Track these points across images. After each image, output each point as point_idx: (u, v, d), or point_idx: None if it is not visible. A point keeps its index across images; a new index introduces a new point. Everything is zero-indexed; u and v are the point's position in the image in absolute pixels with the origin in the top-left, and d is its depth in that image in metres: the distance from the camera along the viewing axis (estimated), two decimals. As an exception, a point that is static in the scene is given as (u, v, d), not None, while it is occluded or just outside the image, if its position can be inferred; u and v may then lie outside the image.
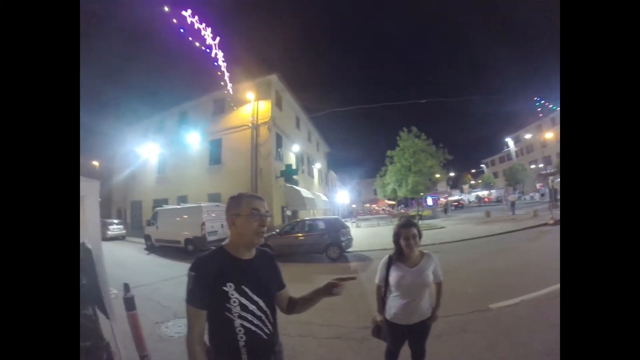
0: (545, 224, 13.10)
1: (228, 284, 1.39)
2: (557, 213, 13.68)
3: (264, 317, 1.48)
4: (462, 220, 23.01)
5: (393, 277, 2.43)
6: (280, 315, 1.64)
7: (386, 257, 2.54)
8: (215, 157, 17.92)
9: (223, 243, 1.53)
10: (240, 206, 1.49)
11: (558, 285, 5.05)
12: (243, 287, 1.42)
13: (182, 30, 14.61)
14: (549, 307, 4.11)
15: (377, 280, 2.56)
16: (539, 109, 51.27)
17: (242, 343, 1.42)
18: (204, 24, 15.11)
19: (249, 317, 1.43)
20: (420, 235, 2.42)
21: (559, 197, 20.68)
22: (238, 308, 1.41)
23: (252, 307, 1.44)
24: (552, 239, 10.27)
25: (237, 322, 1.41)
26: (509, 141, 59.70)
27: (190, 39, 14.79)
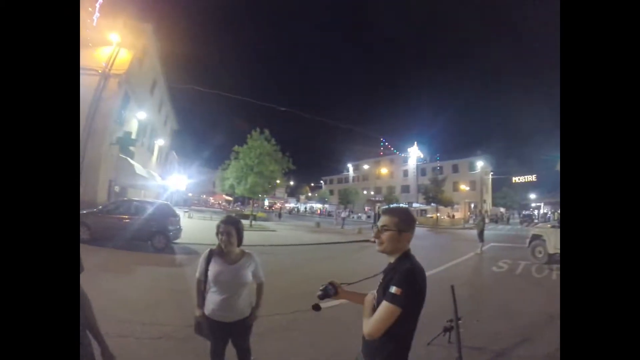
0: (368, 240, 15.66)
1: None
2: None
3: None
4: (294, 226, 24.95)
5: (211, 271, 2.40)
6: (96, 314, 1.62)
7: (207, 250, 2.51)
8: None
9: None
10: None
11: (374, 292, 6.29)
12: None
13: None
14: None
15: (197, 274, 2.50)
16: (382, 149, 63.81)
17: None
18: None
19: None
20: (239, 235, 2.43)
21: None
22: None
23: None
24: (373, 253, 12.10)
25: None
26: (350, 166, 70.64)
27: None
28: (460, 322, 3.32)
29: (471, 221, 32.87)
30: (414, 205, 49.53)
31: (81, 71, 13.36)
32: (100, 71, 13.27)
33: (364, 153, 67.67)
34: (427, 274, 6.21)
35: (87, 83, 13.14)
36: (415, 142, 58.61)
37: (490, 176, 53.36)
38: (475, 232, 13.02)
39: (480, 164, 48.76)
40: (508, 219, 44.37)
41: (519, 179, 50.24)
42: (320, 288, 1.96)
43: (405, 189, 57.72)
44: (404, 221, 1.68)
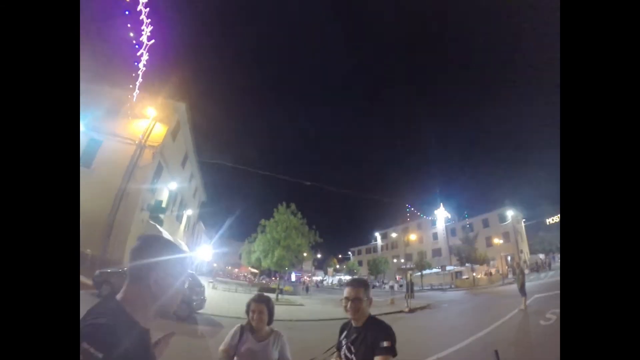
0: (401, 311, 14.58)
1: None
2: (411, 302, 15.93)
3: None
4: (323, 300, 23.71)
5: (240, 346, 2.42)
6: None
7: (238, 326, 2.54)
8: (87, 158, 14.03)
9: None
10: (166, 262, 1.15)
11: (432, 358, 5.66)
12: None
13: (126, 13, 12.76)
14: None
15: (222, 346, 2.46)
16: (408, 214, 62.97)
17: None
18: (149, 20, 13.67)
19: None
20: (270, 313, 2.49)
21: (415, 288, 23.88)
22: None
23: None
24: (406, 324, 11.17)
25: None
26: (377, 235, 68.81)
27: (129, 26, 12.97)
28: None
29: (510, 275, 29.99)
30: (448, 268, 46.30)
31: (120, 139, 15.11)
32: (137, 142, 14.58)
33: (390, 221, 66.59)
34: (468, 340, 5.70)
35: (124, 151, 14.40)
36: (441, 204, 57.27)
37: (522, 224, 49.61)
38: (515, 287, 11.94)
39: (510, 213, 45.58)
40: (549, 265, 39.35)
41: (553, 220, 46.78)
42: None
43: (437, 252, 54.44)
44: (367, 289, 2.04)
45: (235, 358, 2.41)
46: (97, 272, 9.90)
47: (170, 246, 1.14)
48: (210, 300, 11.34)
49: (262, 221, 21.00)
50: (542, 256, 44.63)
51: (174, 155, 18.55)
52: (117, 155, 14.22)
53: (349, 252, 76.40)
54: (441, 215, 56.42)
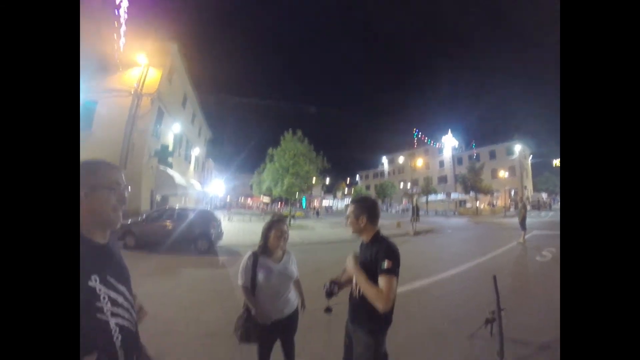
0: (407, 234, 15.45)
1: (93, 277, 1.14)
2: (416, 226, 16.95)
3: (130, 309, 1.30)
4: (332, 224, 24.89)
5: (261, 274, 2.43)
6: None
7: (249, 254, 2.52)
8: (86, 121, 13.96)
9: None
10: (97, 176, 1.21)
11: (415, 284, 6.07)
12: (108, 277, 1.20)
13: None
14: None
15: (242, 282, 2.48)
16: (415, 140, 62.50)
17: (118, 344, 1.21)
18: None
19: (121, 312, 1.24)
20: (287, 234, 2.56)
21: (419, 213, 24.76)
22: (109, 304, 1.19)
23: (120, 299, 1.24)
24: (412, 247, 11.89)
25: (112, 322, 1.20)
26: (385, 160, 69.56)
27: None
28: (502, 313, 3.16)
29: (512, 209, 30.94)
30: (452, 195, 47.62)
31: (114, 94, 14.52)
32: (132, 92, 14.13)
33: (398, 145, 66.75)
34: (469, 265, 7.01)
35: (121, 104, 13.96)
36: (450, 131, 56.47)
37: (529, 160, 49.85)
38: (516, 220, 12.28)
39: (518, 148, 45.47)
40: (550, 205, 41.01)
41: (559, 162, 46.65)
42: (324, 289, 2.27)
43: (443, 179, 55.76)
44: (359, 207, 2.09)
45: (260, 285, 2.45)
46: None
47: (87, 163, 1.21)
48: (227, 232, 12.02)
49: (270, 150, 21.01)
50: (544, 195, 45.18)
51: (173, 98, 18.11)
52: (115, 111, 13.90)
53: (357, 177, 78.02)
54: (449, 142, 56.13)
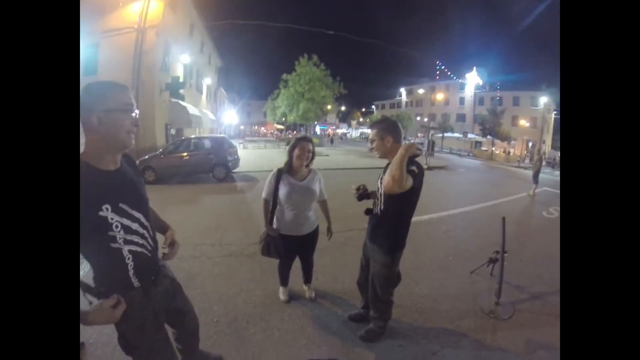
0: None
1: (104, 207, 1.12)
2: (430, 160, 17.10)
3: (146, 234, 1.30)
4: (347, 151, 24.83)
5: (283, 190, 2.51)
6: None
7: (275, 170, 2.58)
8: (90, 66, 13.04)
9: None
10: (110, 99, 1.14)
11: (423, 217, 6.31)
12: (121, 205, 1.18)
13: None
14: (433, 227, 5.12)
15: (264, 195, 2.59)
16: (437, 72, 58.56)
17: (132, 271, 1.25)
18: None
19: (135, 238, 1.24)
20: (313, 153, 2.58)
21: (435, 148, 24.72)
22: (122, 232, 1.18)
23: (134, 226, 1.23)
24: (426, 179, 11.88)
25: (125, 249, 1.21)
26: (403, 91, 66.12)
27: None
28: (505, 255, 3.22)
29: (527, 160, 30.09)
30: (469, 135, 46.28)
31: (117, 32, 13.61)
32: (135, 27, 13.16)
33: (418, 77, 62.53)
34: (478, 206, 7.57)
35: (125, 42, 13.06)
36: (475, 68, 52.11)
37: (553, 115, 46.50)
38: (530, 172, 12.03)
39: (544, 99, 42.07)
40: None
41: (585, 123, 43.09)
42: (357, 191, 2.41)
43: (461, 117, 53.07)
44: (382, 129, 2.11)
45: (282, 201, 2.54)
46: (137, 161, 10.28)
47: (97, 86, 1.15)
48: (242, 160, 12.24)
49: (284, 75, 20.52)
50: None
51: (179, 28, 17.08)
52: (119, 50, 13.02)
53: (373, 106, 75.46)
54: (472, 80, 52.25)
